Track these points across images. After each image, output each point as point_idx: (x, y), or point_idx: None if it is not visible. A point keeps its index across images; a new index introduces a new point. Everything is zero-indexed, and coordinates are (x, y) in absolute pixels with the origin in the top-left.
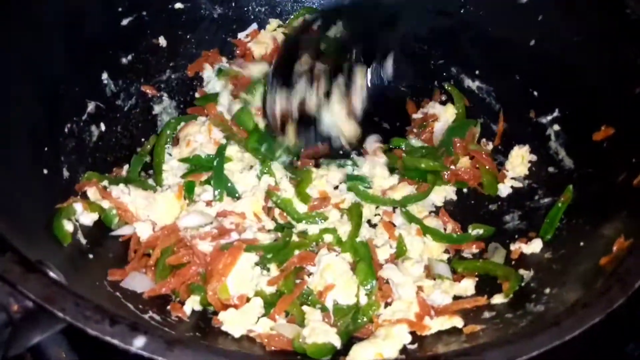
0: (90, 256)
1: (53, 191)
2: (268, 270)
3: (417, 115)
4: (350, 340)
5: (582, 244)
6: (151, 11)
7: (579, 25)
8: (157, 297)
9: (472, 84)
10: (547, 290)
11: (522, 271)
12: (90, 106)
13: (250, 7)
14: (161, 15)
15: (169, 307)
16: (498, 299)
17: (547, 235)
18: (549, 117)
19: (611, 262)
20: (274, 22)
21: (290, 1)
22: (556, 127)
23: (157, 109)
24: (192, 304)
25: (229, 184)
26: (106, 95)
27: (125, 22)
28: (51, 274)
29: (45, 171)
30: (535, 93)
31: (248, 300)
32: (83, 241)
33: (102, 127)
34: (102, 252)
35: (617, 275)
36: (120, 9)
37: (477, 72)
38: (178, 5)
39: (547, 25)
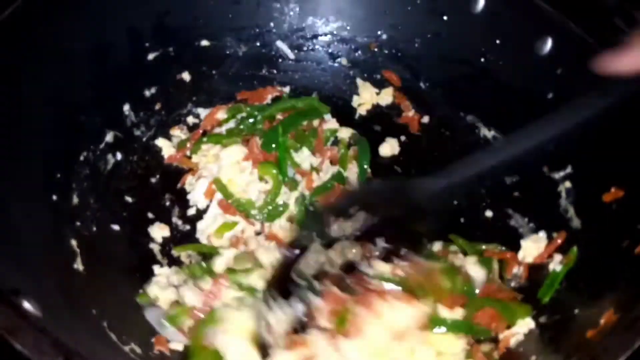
0: (85, 282)
1: (58, 217)
2: None
3: None
4: None
5: (576, 311)
6: (177, 47)
7: (596, 81)
8: (145, 328)
9: (488, 133)
10: (533, 358)
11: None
12: (109, 135)
13: (274, 46)
14: (187, 51)
15: (153, 340)
16: None
17: (545, 297)
18: (562, 173)
19: (596, 336)
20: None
21: (309, 41)
22: (568, 184)
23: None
24: None
25: None
26: (126, 125)
27: (151, 56)
28: (25, 304)
29: (54, 197)
30: (550, 147)
31: None
32: (80, 268)
33: (119, 156)
34: (97, 279)
35: (593, 353)
36: (147, 44)
37: (493, 121)
38: (204, 43)
39: (566, 79)
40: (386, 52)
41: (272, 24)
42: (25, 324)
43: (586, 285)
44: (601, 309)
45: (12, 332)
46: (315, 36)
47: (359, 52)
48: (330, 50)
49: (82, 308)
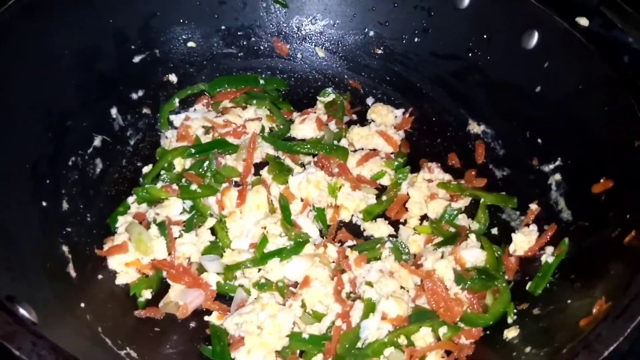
0: (78, 288)
1: (49, 223)
2: None
3: None
4: None
5: (569, 301)
6: (164, 49)
7: (584, 74)
8: (143, 330)
9: (478, 128)
10: (528, 349)
11: (509, 330)
12: (97, 140)
13: (261, 47)
14: (173, 53)
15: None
16: None
17: (537, 289)
18: (551, 166)
19: (590, 324)
20: None
21: (297, 40)
22: (557, 176)
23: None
24: None
25: None
26: (114, 129)
27: (137, 59)
28: (21, 310)
29: (44, 203)
30: (539, 140)
31: None
32: (73, 274)
33: (107, 160)
34: (90, 283)
35: (586, 341)
36: (133, 47)
37: (482, 116)
38: (190, 44)
39: (553, 72)
40: (374, 48)
41: (258, 24)
42: (23, 330)
43: (578, 276)
44: (593, 298)
45: (9, 337)
46: (302, 35)
47: (347, 49)
48: (317, 48)
49: (76, 313)
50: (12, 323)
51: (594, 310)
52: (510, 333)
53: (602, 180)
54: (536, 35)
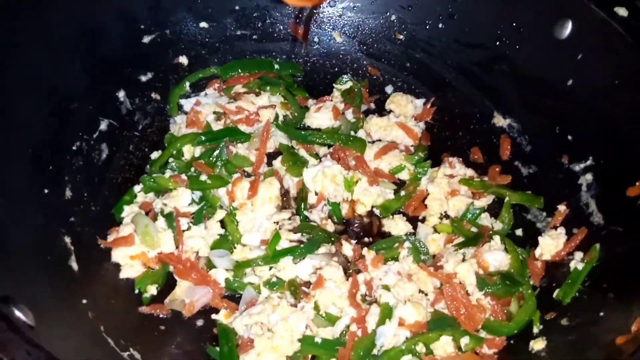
0: (80, 282)
1: (50, 212)
2: None
3: None
4: None
5: (602, 314)
6: (174, 29)
7: (620, 67)
8: (148, 329)
9: (504, 122)
10: None
11: (535, 341)
12: (103, 124)
13: (277, 29)
14: (184, 34)
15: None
16: None
17: (566, 298)
18: (582, 165)
19: (628, 344)
20: None
21: (315, 23)
22: (589, 176)
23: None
24: None
25: None
26: (121, 113)
27: (146, 39)
28: (17, 313)
29: (45, 191)
30: (570, 137)
31: None
32: (75, 267)
33: (113, 146)
34: (93, 277)
35: None
36: (142, 27)
37: (509, 108)
38: (203, 25)
39: (587, 65)
40: (395, 34)
41: (274, 4)
42: (17, 338)
43: (611, 286)
44: (629, 312)
45: (2, 347)
46: (320, 17)
47: (366, 34)
48: (335, 32)
49: (77, 311)
50: (6, 330)
51: (633, 328)
52: (537, 345)
53: (637, 183)
54: (570, 24)
